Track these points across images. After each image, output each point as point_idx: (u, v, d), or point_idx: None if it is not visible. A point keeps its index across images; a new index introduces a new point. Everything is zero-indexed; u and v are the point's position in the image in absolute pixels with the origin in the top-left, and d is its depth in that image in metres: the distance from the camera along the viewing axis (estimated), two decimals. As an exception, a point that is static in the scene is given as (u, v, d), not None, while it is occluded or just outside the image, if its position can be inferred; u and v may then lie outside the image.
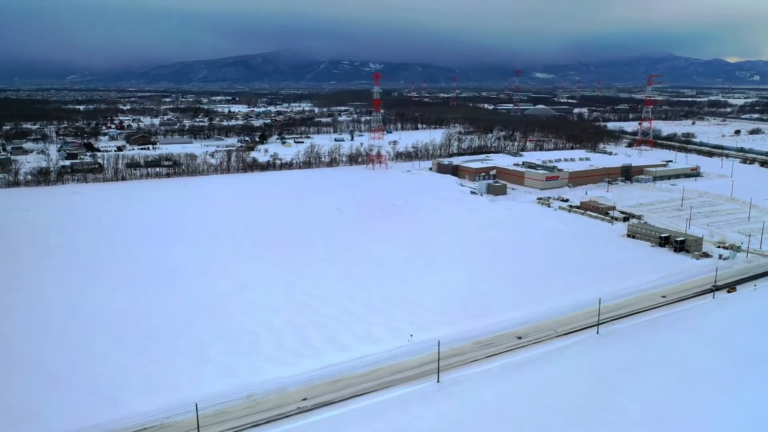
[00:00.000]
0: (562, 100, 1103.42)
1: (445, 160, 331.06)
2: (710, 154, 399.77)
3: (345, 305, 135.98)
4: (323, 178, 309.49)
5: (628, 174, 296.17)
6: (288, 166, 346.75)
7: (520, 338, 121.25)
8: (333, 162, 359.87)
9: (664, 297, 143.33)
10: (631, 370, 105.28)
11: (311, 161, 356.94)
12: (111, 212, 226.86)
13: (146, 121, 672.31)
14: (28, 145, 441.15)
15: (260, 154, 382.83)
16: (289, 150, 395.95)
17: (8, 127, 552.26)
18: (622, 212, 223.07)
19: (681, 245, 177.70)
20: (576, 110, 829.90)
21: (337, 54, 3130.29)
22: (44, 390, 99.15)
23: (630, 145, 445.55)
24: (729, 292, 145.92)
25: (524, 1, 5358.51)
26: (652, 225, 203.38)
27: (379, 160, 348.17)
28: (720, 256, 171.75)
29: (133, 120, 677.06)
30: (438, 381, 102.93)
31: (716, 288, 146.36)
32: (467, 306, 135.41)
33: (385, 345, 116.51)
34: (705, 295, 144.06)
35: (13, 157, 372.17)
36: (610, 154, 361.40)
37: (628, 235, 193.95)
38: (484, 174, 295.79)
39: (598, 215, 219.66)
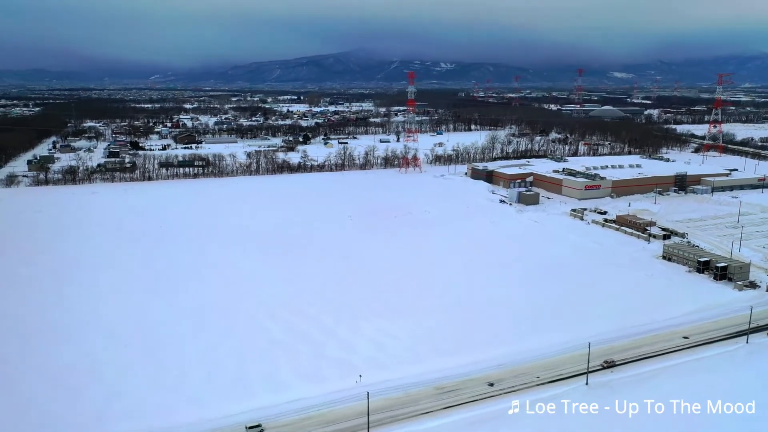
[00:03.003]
0: (636, 101, 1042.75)
1: (480, 165, 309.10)
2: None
3: (306, 332, 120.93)
4: (350, 182, 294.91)
5: (682, 184, 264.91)
6: (320, 168, 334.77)
7: (491, 385, 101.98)
8: (366, 164, 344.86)
9: (686, 338, 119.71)
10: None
11: (344, 163, 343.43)
12: (114, 215, 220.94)
13: (203, 119, 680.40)
14: (80, 143, 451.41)
15: (298, 155, 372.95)
16: (328, 151, 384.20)
17: (70, 125, 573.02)
18: (663, 229, 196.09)
19: (723, 272, 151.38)
20: (648, 111, 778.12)
21: (409, 54, 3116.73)
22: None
23: (697, 151, 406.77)
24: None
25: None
26: (695, 245, 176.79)
27: (415, 163, 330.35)
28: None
29: (192, 119, 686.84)
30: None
31: (751, 330, 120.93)
32: (443, 339, 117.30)
33: (329, 385, 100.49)
34: (738, 338, 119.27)
35: (58, 155, 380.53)
36: (667, 160, 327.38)
37: (664, 257, 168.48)
38: (519, 181, 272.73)
39: (635, 231, 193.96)
